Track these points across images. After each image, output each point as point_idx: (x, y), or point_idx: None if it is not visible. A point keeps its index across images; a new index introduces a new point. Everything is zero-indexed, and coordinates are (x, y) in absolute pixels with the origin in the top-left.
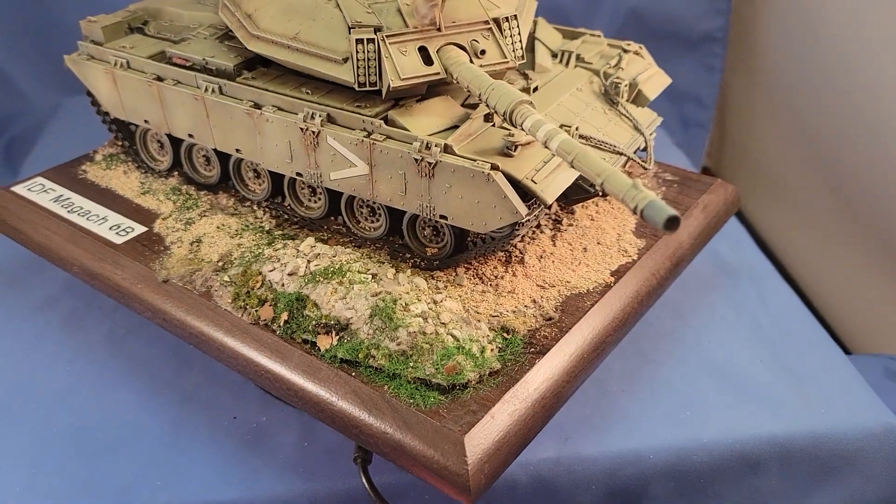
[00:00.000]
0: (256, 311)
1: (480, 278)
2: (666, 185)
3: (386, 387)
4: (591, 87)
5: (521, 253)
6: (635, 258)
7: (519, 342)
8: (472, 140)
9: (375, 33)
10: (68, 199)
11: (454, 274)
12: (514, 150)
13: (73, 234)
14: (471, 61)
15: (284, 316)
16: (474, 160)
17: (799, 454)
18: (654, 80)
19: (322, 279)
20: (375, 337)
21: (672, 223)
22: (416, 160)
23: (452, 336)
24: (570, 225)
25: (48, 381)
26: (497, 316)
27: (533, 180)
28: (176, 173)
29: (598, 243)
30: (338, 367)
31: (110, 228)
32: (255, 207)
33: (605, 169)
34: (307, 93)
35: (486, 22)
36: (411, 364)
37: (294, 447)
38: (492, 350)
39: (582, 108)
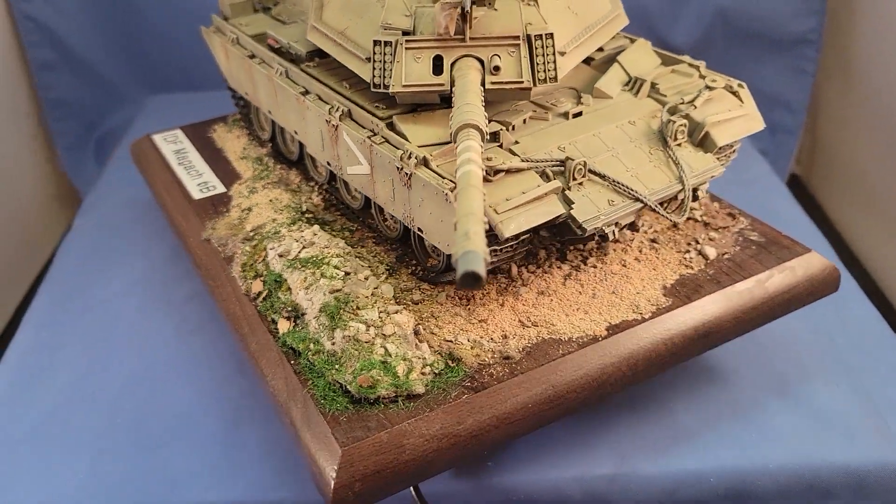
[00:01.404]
0: (250, 283)
1: (463, 299)
2: (741, 245)
3: (310, 382)
4: (648, 122)
5: (523, 283)
6: (645, 317)
7: (459, 373)
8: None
9: (402, 36)
10: (186, 153)
11: (441, 289)
12: (493, 176)
13: (169, 183)
14: (484, 77)
15: (264, 293)
16: (443, 178)
17: (874, 486)
18: (734, 125)
19: (300, 266)
20: (318, 332)
21: (466, 280)
22: (398, 168)
23: (385, 349)
24: (594, 266)
25: (116, 371)
26: (451, 341)
27: (496, 210)
28: (270, 144)
29: (613, 293)
30: (284, 353)
31: (198, 185)
32: (315, 188)
33: (467, 213)
34: (346, 87)
35: (517, 37)
36: (336, 366)
37: None
38: (421, 373)
39: (621, 143)
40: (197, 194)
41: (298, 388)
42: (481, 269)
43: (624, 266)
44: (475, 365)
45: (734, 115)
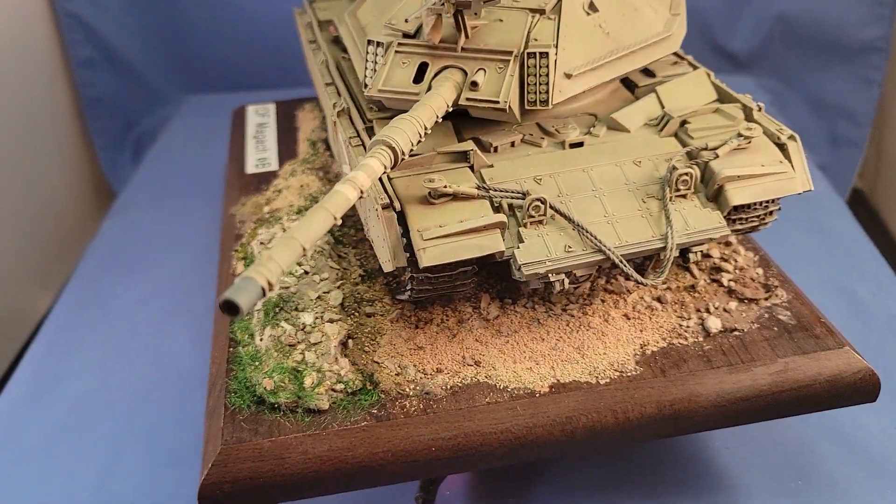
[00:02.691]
0: (236, 264)
1: (421, 321)
2: (762, 324)
3: (233, 373)
4: (657, 164)
5: (485, 318)
6: (600, 382)
7: (372, 398)
8: (430, 172)
9: (402, 38)
10: (265, 127)
11: (400, 307)
12: (436, 199)
13: (237, 154)
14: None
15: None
16: (385, 192)
17: None
18: (761, 184)
19: None
20: (255, 326)
21: (224, 306)
22: None
23: (303, 357)
24: (572, 315)
25: (132, 382)
26: (377, 363)
27: (422, 235)
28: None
29: (577, 348)
30: (230, 339)
31: (258, 160)
32: None
33: (289, 235)
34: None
35: (510, 53)
36: (256, 363)
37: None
38: (331, 389)
39: (613, 184)
40: (251, 169)
41: (221, 377)
42: (242, 299)
43: (605, 321)
44: (393, 393)
45: (765, 171)
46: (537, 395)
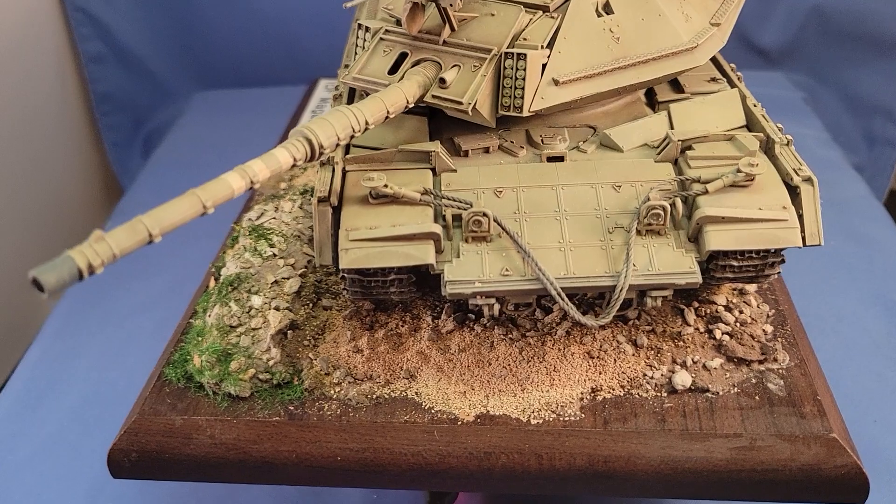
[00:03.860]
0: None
1: (376, 324)
2: (743, 390)
3: (181, 345)
4: (638, 193)
5: (436, 331)
6: (530, 422)
7: (295, 394)
8: (385, 170)
9: (396, 25)
10: (326, 104)
11: (363, 306)
12: (376, 199)
13: (291, 126)
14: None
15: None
16: (327, 186)
17: None
18: (750, 230)
19: (249, 233)
20: (211, 301)
21: (34, 283)
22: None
23: (238, 339)
24: (530, 343)
25: (125, 392)
26: (311, 359)
27: (349, 236)
28: None
29: (521, 381)
30: (193, 310)
31: None
32: None
33: (139, 219)
34: None
35: (488, 51)
36: (200, 338)
37: (362, 499)
38: (256, 378)
39: (581, 208)
40: None
41: (171, 347)
42: (49, 277)
43: (562, 356)
44: (316, 393)
45: (760, 216)
46: (459, 423)
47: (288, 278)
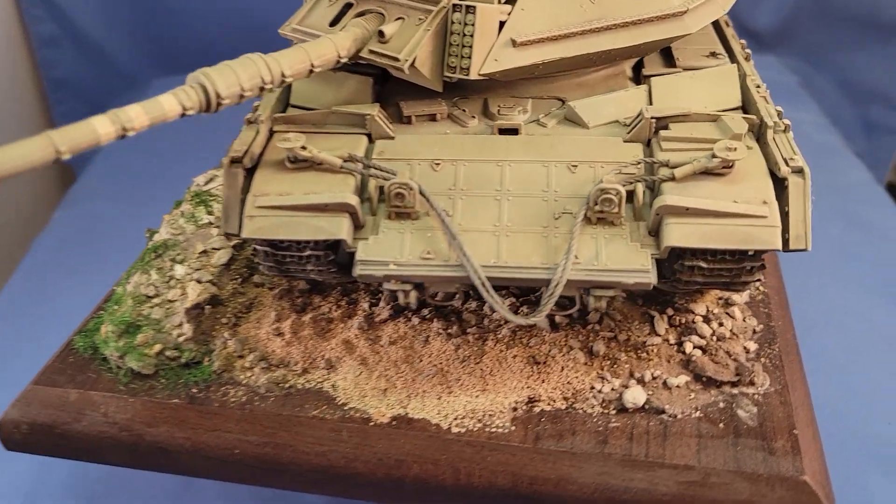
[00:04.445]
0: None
1: (308, 306)
2: (706, 415)
3: (102, 312)
4: (597, 175)
5: (370, 320)
6: (451, 430)
7: (203, 375)
8: (316, 133)
9: None
10: None
11: (298, 285)
12: (294, 163)
13: None
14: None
15: None
16: (244, 146)
17: None
18: (721, 226)
19: (194, 197)
20: (138, 265)
21: None
22: None
23: (150, 311)
24: (469, 342)
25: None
26: (226, 339)
27: (256, 202)
28: None
29: (450, 383)
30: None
31: None
32: None
33: None
34: None
35: (437, 2)
36: (115, 307)
37: None
38: (163, 355)
39: (528, 189)
40: None
41: (93, 313)
42: None
43: (503, 358)
44: (224, 377)
45: (733, 210)
46: (372, 424)
47: (219, 249)
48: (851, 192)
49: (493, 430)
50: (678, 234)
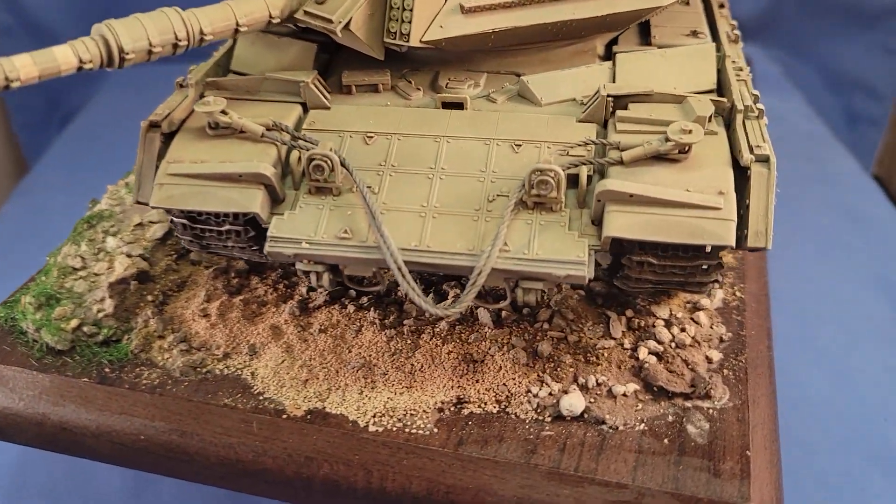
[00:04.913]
0: None
1: (244, 288)
2: (651, 430)
3: (31, 282)
4: (542, 155)
5: (304, 304)
6: (367, 429)
7: (118, 354)
8: (249, 101)
9: None
10: None
11: (236, 265)
12: (215, 129)
13: None
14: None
15: None
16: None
17: None
18: (669, 217)
19: None
20: (71, 236)
21: None
22: None
23: (74, 284)
24: (405, 336)
25: None
26: (148, 318)
27: (169, 169)
28: None
29: (375, 377)
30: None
31: None
32: None
33: None
34: None
35: None
36: (44, 277)
37: None
38: (77, 329)
39: (461, 168)
40: None
41: (24, 284)
42: None
43: (436, 354)
44: (141, 357)
45: (683, 199)
46: (285, 417)
47: (156, 222)
48: (840, 181)
49: (413, 431)
50: (619, 224)
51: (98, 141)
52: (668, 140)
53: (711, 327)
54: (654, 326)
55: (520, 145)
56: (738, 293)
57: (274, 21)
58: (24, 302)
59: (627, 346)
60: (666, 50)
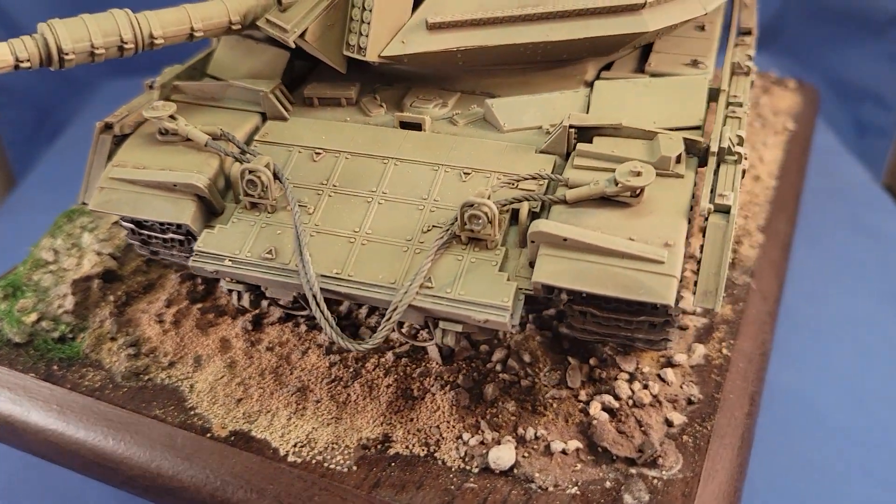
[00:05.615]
0: None
1: (209, 296)
2: (585, 495)
3: (10, 272)
4: (490, 187)
5: (278, 327)
6: (287, 458)
7: (71, 352)
8: (211, 107)
9: None
10: None
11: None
12: (162, 134)
13: None
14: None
15: None
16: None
17: None
18: (599, 267)
19: None
20: (52, 229)
21: None
22: None
23: (41, 277)
24: (362, 368)
25: None
26: (104, 319)
27: (112, 173)
28: None
29: (309, 403)
30: None
31: None
32: None
33: None
34: None
35: None
36: (22, 268)
37: None
38: (36, 323)
39: (403, 194)
40: None
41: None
42: None
43: (373, 386)
44: (91, 358)
45: (625, 249)
46: (209, 436)
47: None
48: (852, 195)
49: (332, 466)
50: (549, 270)
51: (87, 154)
52: (617, 183)
53: (681, 387)
54: (615, 379)
55: (468, 174)
56: (724, 350)
57: (234, 27)
58: None
59: (583, 398)
60: (651, 80)
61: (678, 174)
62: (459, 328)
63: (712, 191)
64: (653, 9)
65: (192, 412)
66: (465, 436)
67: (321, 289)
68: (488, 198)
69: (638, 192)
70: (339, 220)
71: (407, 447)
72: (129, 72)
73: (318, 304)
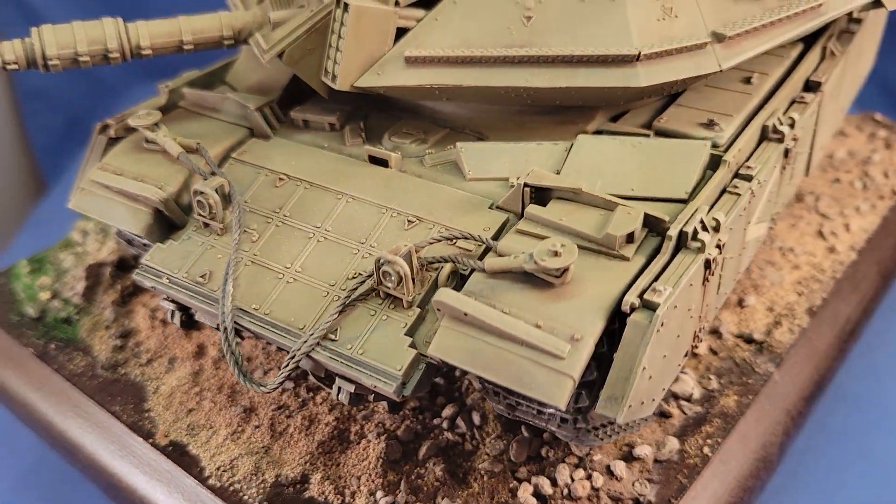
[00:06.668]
0: None
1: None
2: None
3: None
4: (425, 236)
5: (263, 355)
6: (207, 482)
7: (71, 332)
8: (213, 117)
9: None
10: None
11: None
12: (147, 141)
13: None
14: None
15: None
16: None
17: None
18: (497, 352)
19: None
20: None
21: None
22: None
23: (67, 257)
24: (302, 406)
25: None
26: (105, 306)
27: (94, 176)
28: None
29: (253, 429)
30: None
31: None
32: None
33: None
34: None
35: None
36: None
37: None
38: (51, 300)
39: (343, 235)
40: None
41: None
42: None
43: (311, 422)
44: (85, 341)
45: (523, 336)
46: (150, 442)
47: None
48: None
49: (245, 497)
50: (445, 344)
51: None
52: (533, 261)
53: (632, 484)
54: (562, 461)
55: (412, 222)
56: (706, 449)
57: (226, 42)
58: (21, 265)
59: (522, 475)
60: (643, 140)
61: (623, 256)
62: (352, 388)
63: (654, 280)
64: (650, 62)
65: (146, 414)
66: (379, 494)
67: (235, 322)
68: (413, 254)
69: (561, 272)
70: (277, 253)
71: (322, 493)
72: (162, 76)
73: (227, 337)
